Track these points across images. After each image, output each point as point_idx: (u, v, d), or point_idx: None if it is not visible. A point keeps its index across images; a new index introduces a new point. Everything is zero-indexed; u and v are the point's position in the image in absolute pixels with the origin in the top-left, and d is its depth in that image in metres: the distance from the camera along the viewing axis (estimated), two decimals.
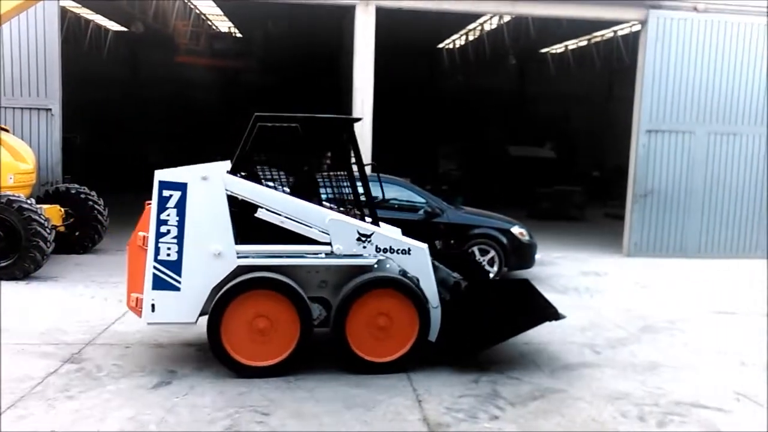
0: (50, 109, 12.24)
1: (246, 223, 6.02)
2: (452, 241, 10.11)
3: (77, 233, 11.45)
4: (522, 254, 10.57)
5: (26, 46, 12.04)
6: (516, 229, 10.60)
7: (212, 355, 5.81)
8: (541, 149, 24.57)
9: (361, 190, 6.50)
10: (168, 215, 5.78)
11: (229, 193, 5.95)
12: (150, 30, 21.76)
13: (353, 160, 6.47)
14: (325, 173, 6.83)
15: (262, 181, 6.35)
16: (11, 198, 9.47)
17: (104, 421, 4.88)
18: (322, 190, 6.61)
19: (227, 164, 6.15)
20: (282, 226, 6.01)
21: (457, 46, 25.72)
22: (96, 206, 11.57)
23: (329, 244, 6.06)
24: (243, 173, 6.18)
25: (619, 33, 20.47)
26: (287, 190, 6.39)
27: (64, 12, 16.28)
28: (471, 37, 23.79)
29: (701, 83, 13.46)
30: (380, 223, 6.42)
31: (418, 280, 6.16)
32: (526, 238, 10.67)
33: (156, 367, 6.04)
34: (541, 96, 27.64)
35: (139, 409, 5.10)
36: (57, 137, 12.37)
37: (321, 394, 5.51)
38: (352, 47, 13.01)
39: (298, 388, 5.60)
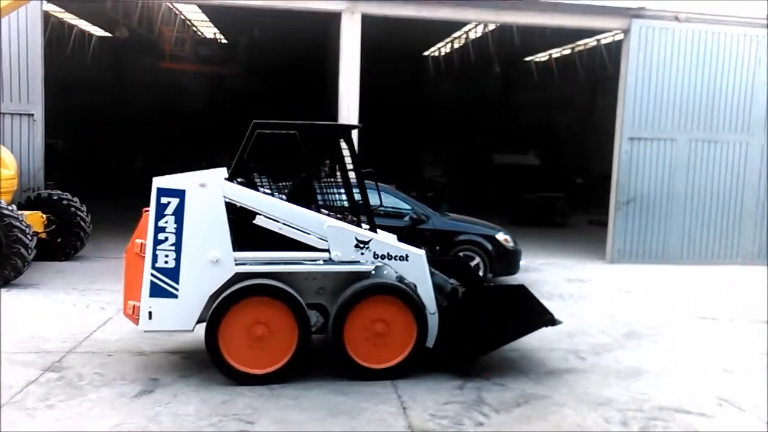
0: (32, 115, 12.10)
1: (244, 229, 6.00)
2: (437, 248, 10.13)
3: (59, 240, 11.32)
4: (507, 261, 10.62)
5: (8, 50, 11.90)
6: (501, 236, 10.65)
7: (196, 362, 5.76)
8: (525, 156, 24.73)
9: (358, 196, 6.50)
10: (166, 222, 5.77)
11: (227, 200, 5.94)
12: (134, 35, 21.62)
13: (350, 166, 6.48)
14: (323, 180, 6.85)
15: (259, 188, 6.34)
16: None
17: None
18: (319, 197, 6.62)
19: (224, 171, 6.14)
20: (280, 233, 6.01)
21: (443, 53, 25.85)
22: (78, 213, 11.45)
23: (327, 250, 6.07)
24: (240, 180, 6.17)
25: (602, 42, 20.69)
26: (283, 196, 6.40)
27: (47, 17, 16.16)
28: (456, 45, 23.93)
29: (683, 91, 13.64)
30: (377, 230, 6.43)
31: (415, 286, 6.18)
32: (511, 244, 10.72)
33: (138, 375, 5.98)
34: (525, 103, 27.86)
35: (122, 418, 5.04)
36: (39, 143, 12.24)
37: (305, 401, 5.48)
38: (337, 54, 13.04)
39: (282, 396, 5.57)
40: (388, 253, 6.20)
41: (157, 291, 5.76)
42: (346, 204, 6.67)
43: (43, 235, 10.78)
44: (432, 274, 6.42)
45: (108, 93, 26.44)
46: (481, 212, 13.05)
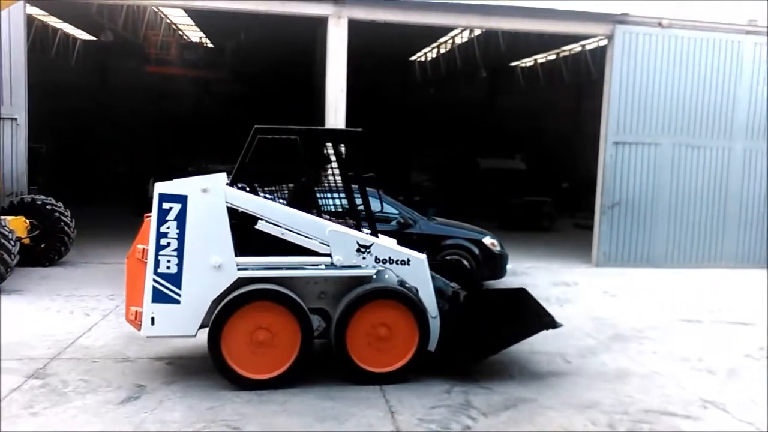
0: (15, 119, 11.99)
1: (246, 235, 6.00)
2: (424, 252, 10.11)
3: (43, 245, 11.20)
4: (493, 264, 10.67)
5: None
6: (488, 240, 10.69)
7: (182, 368, 5.71)
8: (511, 161, 24.86)
9: (359, 201, 6.51)
10: (168, 228, 5.77)
11: (229, 205, 5.93)
12: (120, 39, 21.50)
13: (351, 172, 6.49)
14: (324, 184, 6.86)
15: (259, 192, 6.34)
16: None
17: None
18: (320, 201, 6.62)
19: (225, 176, 6.14)
20: (282, 238, 6.01)
21: (429, 58, 25.97)
22: (62, 218, 11.35)
23: (329, 255, 6.07)
24: (242, 185, 6.17)
25: (587, 47, 20.89)
26: (283, 201, 6.38)
27: (30, 20, 16.01)
28: (443, 50, 24.04)
29: (666, 96, 13.79)
30: (378, 234, 6.43)
31: (417, 290, 6.19)
32: (498, 248, 10.77)
33: (124, 381, 5.92)
34: (511, 108, 27.99)
35: (107, 425, 4.99)
36: (22, 147, 12.12)
37: (293, 407, 5.46)
38: (324, 58, 13.04)
39: (269, 402, 5.54)
40: (389, 258, 6.21)
41: (159, 296, 5.77)
42: (345, 208, 6.67)
43: (27, 241, 10.66)
44: (433, 278, 6.44)
45: (92, 97, 26.24)
46: (468, 216, 13.09)
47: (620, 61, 13.61)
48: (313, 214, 6.27)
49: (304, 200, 6.40)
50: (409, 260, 6.26)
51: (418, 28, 14.61)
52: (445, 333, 6.20)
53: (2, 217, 9.57)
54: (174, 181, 5.91)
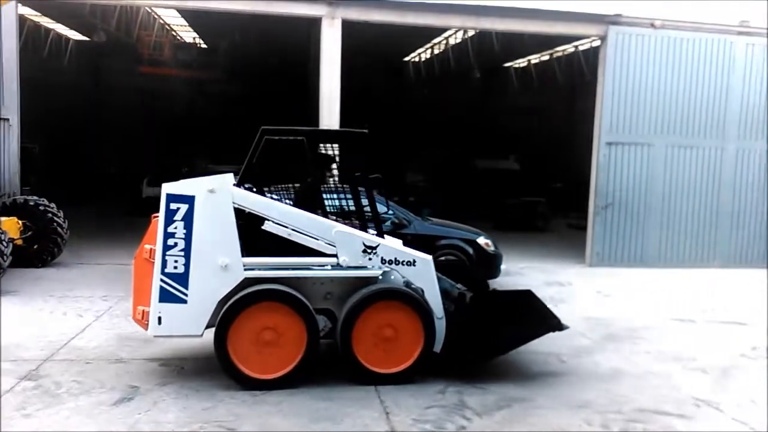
0: (8, 119, 11.92)
1: (252, 235, 6.00)
2: None
3: (36, 246, 11.13)
4: (488, 264, 10.68)
5: None
6: (482, 240, 10.71)
7: (175, 369, 5.70)
8: (505, 161, 24.91)
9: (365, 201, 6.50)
10: (175, 228, 5.79)
11: (236, 205, 5.94)
12: (113, 39, 21.43)
13: (358, 173, 6.49)
14: (330, 185, 6.86)
15: (265, 193, 6.34)
16: None
17: None
18: (327, 202, 6.61)
19: (232, 177, 6.15)
20: (288, 239, 6.01)
21: (423, 59, 25.98)
22: (55, 218, 11.28)
23: (335, 255, 6.07)
24: (249, 185, 6.17)
25: (580, 48, 20.94)
26: (289, 202, 6.39)
27: (23, 20, 15.93)
28: (437, 51, 24.06)
29: (659, 97, 13.84)
30: (384, 235, 6.43)
31: (422, 291, 6.19)
32: (492, 248, 10.79)
33: (117, 383, 5.90)
34: (505, 109, 28.05)
35: (100, 426, 4.97)
36: (15, 148, 12.07)
37: (288, 408, 5.45)
38: (319, 58, 13.04)
39: (264, 402, 5.53)
40: (395, 258, 6.21)
41: (166, 296, 5.78)
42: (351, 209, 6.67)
43: (20, 242, 10.61)
44: (439, 279, 6.44)
45: (85, 97, 26.15)
46: (462, 217, 13.10)
47: (613, 62, 13.66)
48: (318, 214, 6.27)
49: (311, 201, 6.40)
50: (414, 261, 6.26)
51: (411, 28, 14.63)
52: (450, 334, 6.20)
53: None
54: (181, 181, 5.94)
